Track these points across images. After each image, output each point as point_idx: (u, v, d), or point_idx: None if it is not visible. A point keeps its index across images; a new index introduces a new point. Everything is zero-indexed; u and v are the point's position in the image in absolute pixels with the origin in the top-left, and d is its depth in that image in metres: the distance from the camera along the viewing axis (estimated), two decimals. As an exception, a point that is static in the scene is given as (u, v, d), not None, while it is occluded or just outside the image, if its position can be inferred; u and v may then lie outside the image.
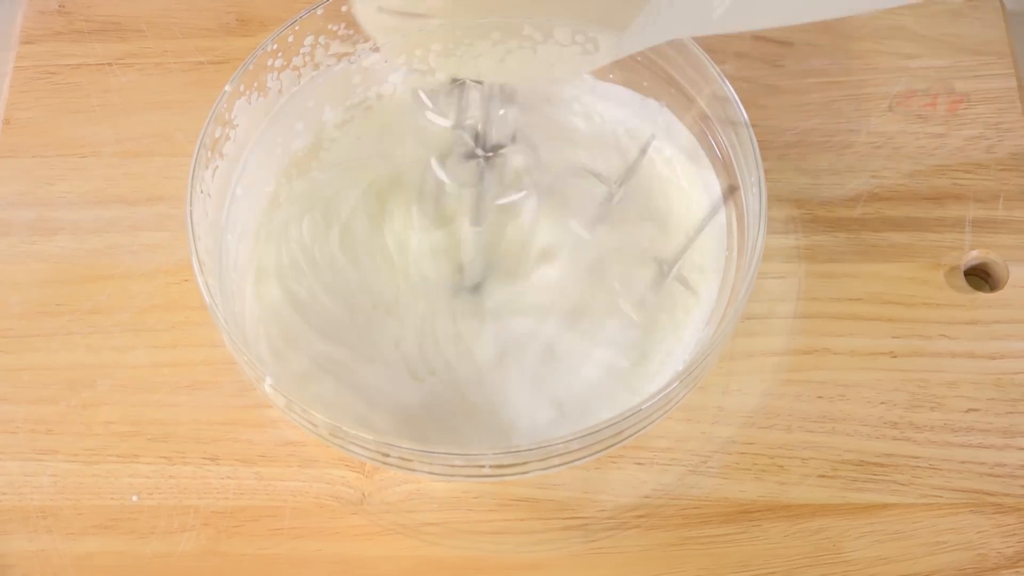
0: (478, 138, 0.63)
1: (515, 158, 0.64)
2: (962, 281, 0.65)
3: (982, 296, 0.65)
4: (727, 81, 0.60)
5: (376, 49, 0.64)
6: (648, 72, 0.65)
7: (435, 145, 0.64)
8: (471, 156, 0.63)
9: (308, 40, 0.63)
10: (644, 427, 0.55)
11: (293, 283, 0.62)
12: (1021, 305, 0.64)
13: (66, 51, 0.74)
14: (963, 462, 0.60)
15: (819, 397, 0.62)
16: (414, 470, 0.54)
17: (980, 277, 0.66)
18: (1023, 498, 0.59)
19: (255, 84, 0.62)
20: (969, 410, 0.61)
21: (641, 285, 0.61)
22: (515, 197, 0.63)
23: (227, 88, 0.60)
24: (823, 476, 0.60)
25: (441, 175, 0.62)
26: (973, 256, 0.66)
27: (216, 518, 0.59)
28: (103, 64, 0.73)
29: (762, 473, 0.60)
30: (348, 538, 0.59)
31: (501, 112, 0.64)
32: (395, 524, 0.59)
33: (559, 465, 0.55)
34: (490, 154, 0.63)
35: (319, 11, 0.62)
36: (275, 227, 0.64)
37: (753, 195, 0.58)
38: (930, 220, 0.66)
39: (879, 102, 0.70)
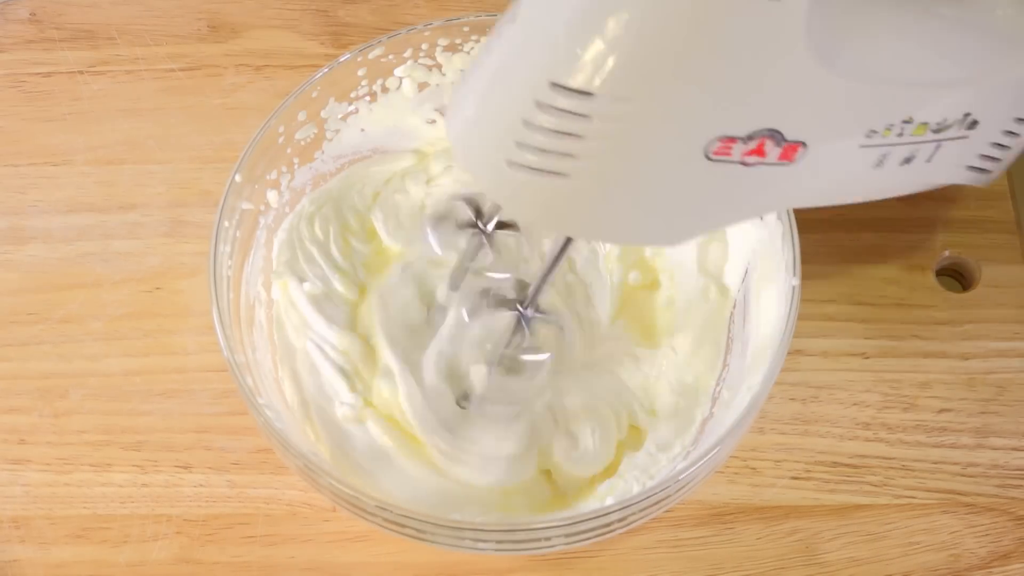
0: (480, 213, 0.58)
1: (510, 240, 0.59)
2: (934, 281, 0.65)
3: (954, 296, 0.65)
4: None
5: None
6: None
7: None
8: (469, 226, 0.58)
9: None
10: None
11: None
12: (993, 305, 0.64)
13: (37, 59, 0.74)
14: (936, 462, 0.60)
15: (791, 399, 0.62)
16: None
17: (952, 277, 0.66)
18: (996, 498, 0.59)
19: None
20: (941, 410, 0.61)
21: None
22: (540, 357, 0.56)
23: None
24: (796, 478, 0.60)
25: (432, 241, 0.59)
26: (945, 256, 0.66)
27: (189, 526, 0.59)
28: (74, 72, 0.73)
29: (735, 475, 0.60)
30: (321, 545, 0.59)
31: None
32: (368, 530, 0.58)
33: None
34: (489, 230, 0.58)
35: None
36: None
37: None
38: (902, 220, 0.66)
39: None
